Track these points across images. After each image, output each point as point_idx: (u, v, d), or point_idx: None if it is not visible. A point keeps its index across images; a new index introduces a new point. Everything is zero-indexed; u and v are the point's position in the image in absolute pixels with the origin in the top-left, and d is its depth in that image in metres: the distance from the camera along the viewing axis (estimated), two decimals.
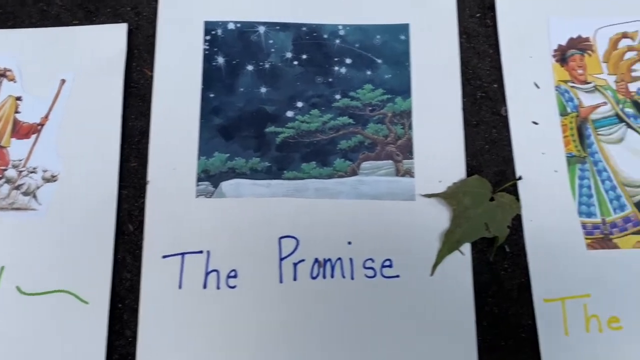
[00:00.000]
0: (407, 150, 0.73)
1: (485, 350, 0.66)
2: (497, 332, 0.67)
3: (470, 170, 0.72)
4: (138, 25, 0.77)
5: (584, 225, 0.70)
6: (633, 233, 0.70)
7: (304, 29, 0.76)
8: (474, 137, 0.74)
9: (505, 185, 0.71)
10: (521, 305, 0.68)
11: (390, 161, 0.72)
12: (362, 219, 0.70)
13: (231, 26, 0.77)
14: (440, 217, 0.70)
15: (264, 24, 0.76)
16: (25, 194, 0.69)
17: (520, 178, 0.70)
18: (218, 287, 0.67)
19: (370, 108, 0.75)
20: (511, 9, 0.78)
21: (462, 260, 0.69)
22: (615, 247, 0.69)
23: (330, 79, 0.75)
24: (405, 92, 0.75)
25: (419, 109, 0.74)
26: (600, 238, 0.69)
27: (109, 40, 0.75)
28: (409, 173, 0.72)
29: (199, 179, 0.70)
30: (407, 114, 0.74)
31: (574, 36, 0.77)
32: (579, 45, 0.76)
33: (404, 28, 0.78)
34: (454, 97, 0.75)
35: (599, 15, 0.78)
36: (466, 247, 0.70)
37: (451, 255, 0.69)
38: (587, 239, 0.69)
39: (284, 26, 0.77)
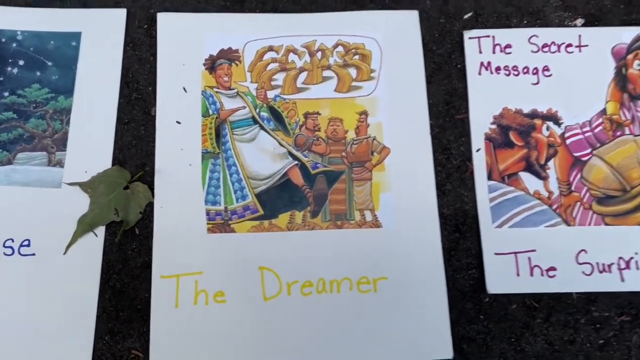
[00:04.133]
0: (62, 144, 0.82)
1: (104, 320, 0.76)
2: (117, 304, 0.77)
3: (117, 162, 0.82)
4: None
5: (208, 212, 0.81)
6: (250, 219, 0.81)
7: None
8: (124, 133, 0.84)
9: (137, 175, 0.81)
10: (142, 281, 0.79)
11: (45, 152, 0.82)
12: (13, 205, 0.79)
13: None
14: (82, 203, 0.80)
15: None
16: None
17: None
18: None
19: (34, 105, 0.84)
20: (170, 23, 0.88)
21: (95, 240, 0.79)
22: (232, 231, 0.81)
23: (1, 79, 0.84)
24: (69, 92, 0.84)
25: (78, 107, 0.84)
26: (221, 223, 0.81)
27: None
28: (59, 164, 0.81)
29: None
30: (67, 111, 0.84)
31: (225, 48, 0.88)
32: (228, 56, 0.87)
33: (76, 35, 0.87)
34: (111, 98, 0.85)
35: (251, 31, 0.89)
36: (101, 230, 0.79)
37: (87, 237, 0.79)
38: (209, 224, 0.81)
39: None
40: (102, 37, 0.87)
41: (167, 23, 0.88)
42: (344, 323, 0.78)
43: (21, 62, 0.85)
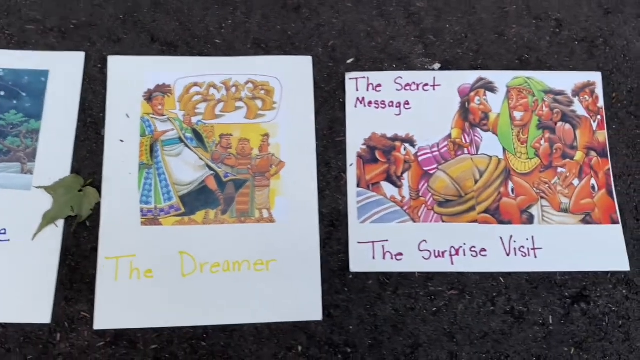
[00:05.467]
0: (32, 156, 1.08)
1: (61, 289, 1.01)
2: (71, 278, 1.03)
3: (74, 171, 1.08)
4: None
5: (142, 210, 1.07)
6: (174, 216, 1.08)
7: None
8: (80, 148, 1.10)
9: (88, 181, 1.08)
10: (90, 261, 1.04)
11: (19, 163, 1.08)
12: None
13: None
14: (47, 202, 1.06)
15: None
16: None
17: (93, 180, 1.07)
18: None
19: (11, 126, 1.10)
20: (118, 64, 1.14)
21: (56, 230, 1.05)
22: (160, 224, 1.07)
23: None
24: (38, 116, 1.11)
25: (45, 129, 1.10)
26: (151, 219, 1.07)
27: None
28: (30, 172, 1.07)
29: None
30: (36, 131, 1.10)
31: (160, 83, 1.14)
32: (162, 90, 1.14)
33: (45, 73, 1.13)
34: (71, 121, 1.10)
35: (181, 70, 1.16)
36: (61, 222, 1.06)
37: (50, 227, 1.05)
38: (142, 219, 1.07)
39: None
40: (65, 74, 1.13)
41: (116, 64, 1.15)
42: (243, 294, 1.03)
43: (2, 93, 1.11)
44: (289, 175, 1.08)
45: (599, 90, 1.12)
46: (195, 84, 1.14)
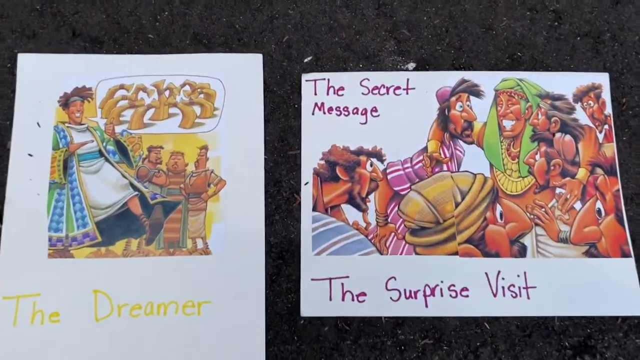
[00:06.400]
0: None
1: None
2: None
3: None
4: None
5: (50, 239, 0.88)
6: (88, 246, 0.88)
7: None
8: None
9: None
10: None
11: None
12: None
13: None
14: None
15: None
16: None
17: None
18: None
19: None
20: (30, 63, 0.96)
21: None
22: (71, 256, 0.88)
23: None
24: None
25: None
26: (61, 249, 0.88)
27: None
28: None
29: None
30: None
31: (79, 86, 0.95)
32: (82, 94, 0.95)
33: None
34: None
35: (105, 71, 0.96)
36: None
37: None
38: (50, 249, 0.88)
39: None
40: None
41: (27, 63, 0.96)
42: (168, 344, 0.85)
43: None
44: (230, 196, 0.89)
45: (606, 95, 0.92)
46: (122, 87, 0.95)
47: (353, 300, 0.87)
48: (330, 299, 0.87)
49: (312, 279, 0.87)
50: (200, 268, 0.88)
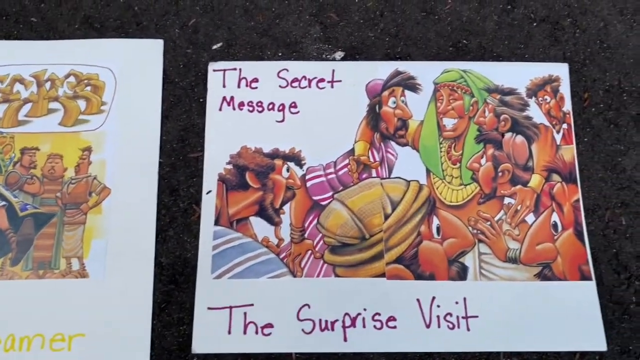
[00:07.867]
0: None
1: None
2: None
3: None
4: None
5: None
6: None
7: None
8: None
9: None
10: None
11: None
12: None
13: None
14: None
15: None
16: None
17: None
18: None
19: None
20: None
21: None
22: None
23: None
24: None
25: None
26: None
27: None
28: None
29: None
30: None
31: None
32: None
33: None
34: None
35: None
36: None
37: None
38: None
39: None
40: None
41: None
42: None
43: None
44: (115, 207, 0.75)
45: (565, 89, 0.80)
46: None
47: (257, 333, 0.72)
48: (230, 332, 0.72)
49: (209, 308, 0.73)
50: (75, 293, 0.74)
